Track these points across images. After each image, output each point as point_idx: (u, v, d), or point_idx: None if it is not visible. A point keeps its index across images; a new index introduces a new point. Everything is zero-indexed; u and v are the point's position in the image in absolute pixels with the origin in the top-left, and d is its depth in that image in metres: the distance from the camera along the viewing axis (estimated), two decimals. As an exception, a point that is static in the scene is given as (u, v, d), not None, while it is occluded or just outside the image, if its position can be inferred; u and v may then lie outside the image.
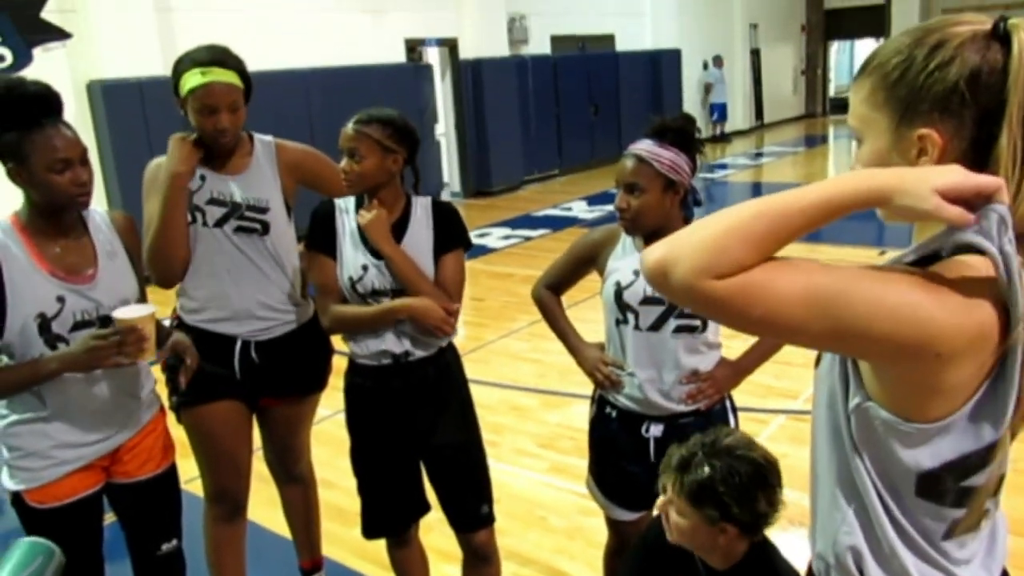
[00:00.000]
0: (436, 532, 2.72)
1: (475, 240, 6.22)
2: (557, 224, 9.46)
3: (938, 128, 0.98)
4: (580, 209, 10.36)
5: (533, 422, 4.40)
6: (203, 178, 2.32)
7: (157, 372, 2.27)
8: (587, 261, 2.28)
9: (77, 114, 7.19)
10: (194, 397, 2.37)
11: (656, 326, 2.11)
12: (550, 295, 2.38)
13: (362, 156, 2.14)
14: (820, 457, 1.16)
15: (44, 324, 1.91)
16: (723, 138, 16.34)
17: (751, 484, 1.62)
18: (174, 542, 2.23)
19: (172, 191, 2.23)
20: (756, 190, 11.66)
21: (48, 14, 7.23)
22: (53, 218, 1.96)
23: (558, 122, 12.97)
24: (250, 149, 2.39)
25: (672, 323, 2.10)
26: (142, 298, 2.14)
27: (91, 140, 7.33)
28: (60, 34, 7.27)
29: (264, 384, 2.45)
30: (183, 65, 2.23)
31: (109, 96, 7.32)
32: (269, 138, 2.46)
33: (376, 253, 2.21)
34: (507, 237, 9.06)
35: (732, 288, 0.91)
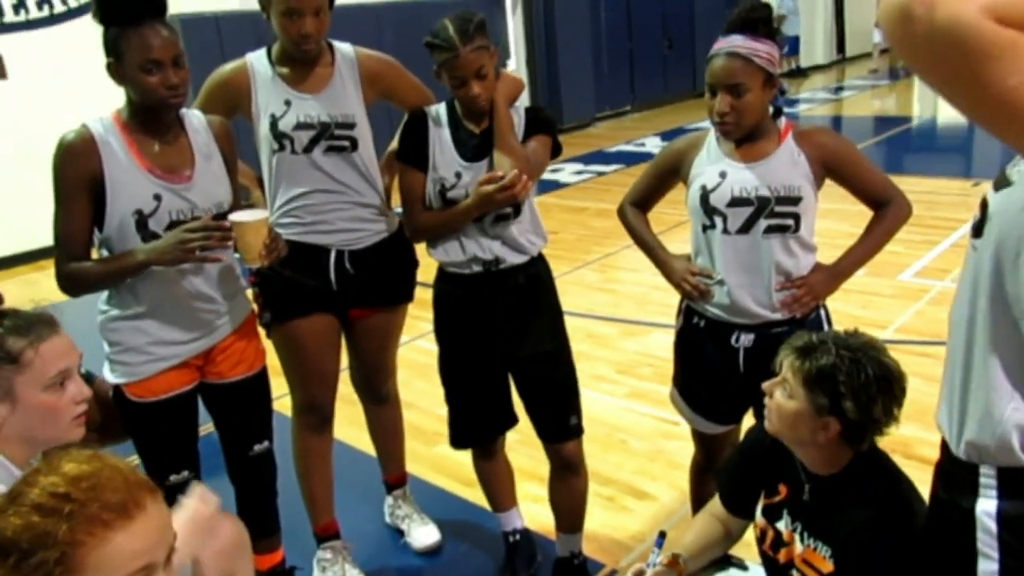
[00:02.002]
0: (515, 452, 2.72)
1: (548, 176, 6.13)
2: (630, 159, 9.28)
3: None
4: (653, 145, 10.12)
5: (610, 349, 4.37)
6: (287, 103, 2.27)
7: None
8: (672, 171, 2.22)
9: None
10: (286, 311, 2.39)
11: (745, 228, 2.03)
12: (635, 211, 2.33)
13: (488, 71, 2.10)
14: (975, 339, 1.13)
15: (141, 221, 1.94)
16: (799, 72, 15.65)
17: (874, 384, 1.53)
18: (265, 443, 2.28)
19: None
20: (836, 124, 11.22)
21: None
22: (150, 117, 1.97)
23: (631, 57, 12.65)
24: (331, 60, 2.34)
25: (762, 223, 2.02)
26: (235, 203, 2.14)
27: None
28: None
29: (357, 294, 2.45)
30: None
31: (187, 30, 7.32)
32: (349, 47, 2.40)
33: (471, 157, 2.18)
34: (580, 172, 8.95)
35: (1010, 38, 0.77)
